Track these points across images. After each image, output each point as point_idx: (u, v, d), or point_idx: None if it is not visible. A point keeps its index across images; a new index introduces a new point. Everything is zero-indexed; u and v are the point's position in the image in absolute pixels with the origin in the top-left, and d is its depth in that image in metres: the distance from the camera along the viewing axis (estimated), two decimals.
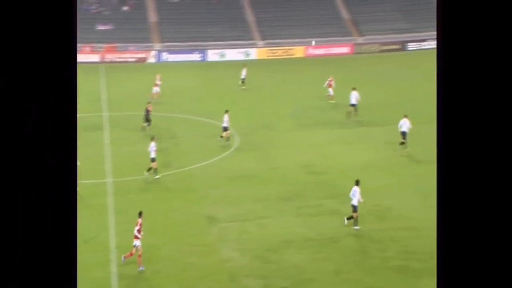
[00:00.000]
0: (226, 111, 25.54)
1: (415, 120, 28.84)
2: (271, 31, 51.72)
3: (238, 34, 50.51)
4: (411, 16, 56.52)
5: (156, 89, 32.50)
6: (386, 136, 26.42)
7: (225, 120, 25.20)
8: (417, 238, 16.09)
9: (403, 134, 24.14)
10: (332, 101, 31.86)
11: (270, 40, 50.86)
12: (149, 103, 28.01)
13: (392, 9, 57.20)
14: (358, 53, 52.56)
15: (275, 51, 49.89)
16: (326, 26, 55.52)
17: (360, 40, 54.46)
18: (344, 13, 58.25)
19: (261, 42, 50.86)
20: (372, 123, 28.78)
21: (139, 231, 15.02)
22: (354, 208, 17.12)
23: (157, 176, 21.64)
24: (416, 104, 32.15)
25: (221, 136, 25.56)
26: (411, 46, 53.20)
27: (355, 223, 17.05)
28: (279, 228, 17.39)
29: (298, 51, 51.26)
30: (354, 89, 29.66)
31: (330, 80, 32.84)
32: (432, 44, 52.50)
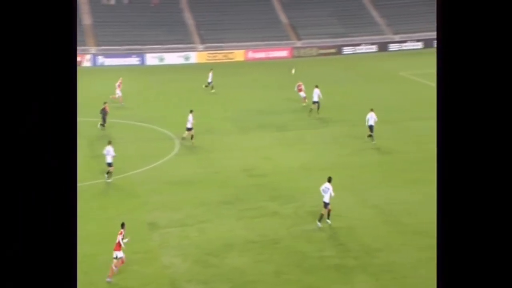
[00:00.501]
0: (191, 111, 25.74)
1: (353, 121, 29.88)
2: (211, 35, 51.74)
3: (178, 38, 50.18)
4: (346, 21, 58.22)
5: (118, 93, 32.74)
6: (325, 138, 27.18)
7: (190, 120, 25.45)
8: (352, 236, 16.69)
9: (370, 127, 25.29)
10: (304, 104, 32.33)
11: (210, 43, 50.89)
12: (105, 103, 28.22)
13: (328, 14, 58.69)
14: (297, 56, 53.60)
15: (215, 54, 49.96)
16: (265, 30, 56.20)
17: (299, 44, 55.54)
18: (283, 17, 59.22)
19: (200, 46, 50.79)
20: (311, 125, 29.49)
21: (120, 242, 14.68)
22: (325, 204, 17.46)
23: (109, 180, 21.65)
24: (354, 106, 33.24)
25: (183, 138, 25.87)
26: (347, 50, 54.77)
27: (320, 219, 17.33)
28: (220, 232, 17.52)
29: (238, 55, 51.60)
30: (316, 86, 30.95)
31: (299, 85, 33.23)
32: (367, 48, 54.37)
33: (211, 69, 37.10)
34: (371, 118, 25.36)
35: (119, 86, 33.11)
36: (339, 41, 55.12)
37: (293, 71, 37.95)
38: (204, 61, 48.85)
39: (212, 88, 35.86)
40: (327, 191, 17.59)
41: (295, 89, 33.29)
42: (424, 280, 14.12)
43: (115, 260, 14.76)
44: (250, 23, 57.00)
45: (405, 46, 55.19)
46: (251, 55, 52.17)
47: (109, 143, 21.93)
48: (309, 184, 21.15)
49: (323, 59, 51.95)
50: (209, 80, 36.13)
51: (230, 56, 50.68)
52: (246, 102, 34.65)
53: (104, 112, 27.77)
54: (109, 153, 21.40)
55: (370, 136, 25.38)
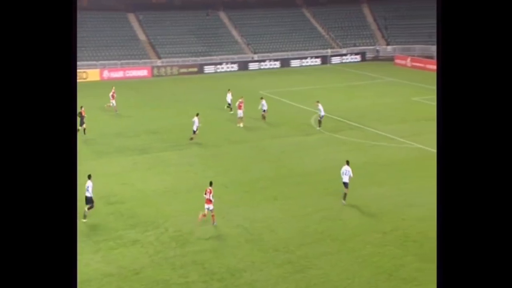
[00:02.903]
0: (197, 115, 29.85)
1: (215, 142, 30.24)
2: None
3: None
4: (207, 40, 59.12)
5: (112, 102, 35.35)
6: (188, 159, 27.10)
7: (195, 123, 29.05)
8: (217, 258, 16.72)
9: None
10: (241, 124, 32.29)
11: None
12: (81, 107, 30.19)
13: (189, 33, 59.10)
14: (157, 75, 53.07)
15: None
16: (123, 48, 54.89)
17: (159, 62, 55.07)
18: (141, 35, 58.32)
19: None
20: (173, 146, 29.24)
21: (210, 198, 18.79)
22: (345, 185, 20.33)
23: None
24: (215, 126, 33.66)
25: (191, 138, 29.32)
26: (208, 69, 55.57)
27: (344, 198, 20.41)
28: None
29: (93, 75, 49.71)
30: (261, 98, 34.19)
31: (241, 102, 32.82)
32: (228, 67, 55.66)
33: (229, 90, 36.78)
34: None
35: (112, 95, 35.77)
36: (200, 60, 55.76)
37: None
38: None
39: (231, 109, 35.75)
40: (347, 173, 20.37)
41: (237, 104, 33.03)
42: None
43: (207, 211, 18.91)
44: (106, 41, 55.31)
45: (264, 65, 57.52)
46: (107, 74, 50.58)
47: (89, 177, 19.81)
48: (172, 208, 20.86)
49: (184, 78, 52.09)
50: (229, 101, 36.18)
51: (83, 76, 48.64)
52: (103, 125, 33.39)
53: (81, 116, 30.28)
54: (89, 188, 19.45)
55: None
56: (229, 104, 36.23)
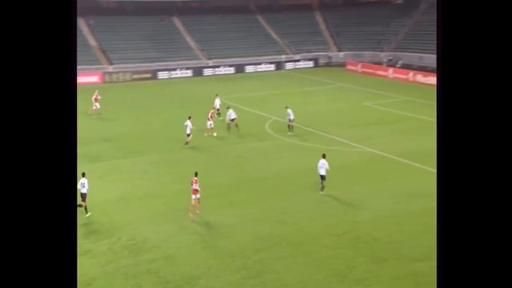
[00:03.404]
0: (189, 118, 30.13)
1: (170, 148, 30.00)
2: None
3: None
4: (161, 45, 58.61)
5: (96, 105, 35.45)
6: (142, 166, 26.77)
7: (188, 125, 29.43)
8: (171, 266, 16.57)
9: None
10: (215, 134, 31.75)
11: None
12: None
13: (141, 38, 58.41)
14: (109, 82, 52.22)
15: None
16: None
17: (110, 68, 54.20)
18: (92, 41, 57.24)
19: None
20: (126, 154, 28.82)
21: (197, 187, 19.96)
22: (323, 177, 22.21)
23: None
24: (169, 131, 33.38)
25: (186, 143, 29.54)
26: (162, 74, 55.11)
27: (322, 189, 22.19)
28: None
29: None
30: (228, 108, 33.30)
31: (212, 113, 32.44)
32: (182, 72, 55.35)
33: (217, 95, 36.34)
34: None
35: (95, 99, 35.89)
36: (154, 65, 55.24)
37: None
38: None
39: (219, 115, 35.10)
40: (324, 166, 22.25)
41: (209, 115, 32.56)
42: None
43: (194, 201, 20.05)
44: None
45: (219, 71, 57.55)
46: None
47: (83, 175, 20.40)
48: (125, 216, 20.55)
49: (137, 84, 51.45)
50: (217, 106, 35.56)
51: None
52: None
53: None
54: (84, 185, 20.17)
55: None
56: (217, 109, 35.89)
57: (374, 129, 33.20)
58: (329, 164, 23.88)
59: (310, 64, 60.53)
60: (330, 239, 18.17)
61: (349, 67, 57.61)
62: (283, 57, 60.14)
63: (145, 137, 31.24)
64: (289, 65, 59.60)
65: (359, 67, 56.37)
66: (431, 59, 53.78)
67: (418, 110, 37.79)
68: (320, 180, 22.34)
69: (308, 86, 49.63)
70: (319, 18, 67.73)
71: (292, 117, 32.18)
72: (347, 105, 40.89)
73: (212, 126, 31.95)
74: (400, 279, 15.49)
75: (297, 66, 59.78)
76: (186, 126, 29.63)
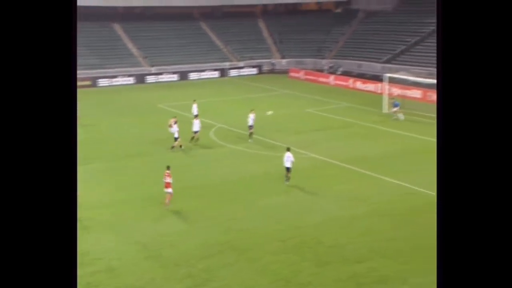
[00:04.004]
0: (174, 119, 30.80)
1: (113, 157, 29.36)
2: None
3: None
4: (101, 52, 57.42)
5: None
6: (85, 175, 26.04)
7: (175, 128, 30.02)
8: (114, 278, 16.20)
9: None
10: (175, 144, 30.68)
11: None
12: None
13: (80, 44, 57.04)
14: None
15: None
16: None
17: None
18: None
19: None
20: None
21: (170, 181, 21.09)
22: (288, 169, 23.93)
23: None
24: (111, 140, 32.68)
25: (172, 147, 30.13)
26: (103, 82, 53.97)
27: (287, 180, 24.04)
28: None
29: None
30: (196, 116, 33.07)
31: (174, 121, 31.32)
32: (124, 80, 54.41)
33: (195, 101, 36.21)
34: (251, 118, 31.61)
35: None
36: (94, 73, 54.01)
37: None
38: None
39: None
40: (289, 159, 23.95)
41: (170, 123, 31.63)
42: None
43: (169, 195, 21.29)
44: None
45: (162, 78, 56.97)
46: None
47: None
48: None
49: (77, 92, 50.10)
50: (195, 112, 34.77)
51: None
52: None
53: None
54: None
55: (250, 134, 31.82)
56: (196, 115, 35.21)
57: (316, 135, 33.82)
58: (274, 170, 24.08)
59: (254, 71, 61.01)
60: (275, 245, 18.32)
61: (292, 74, 58.50)
62: (227, 64, 60.33)
63: (87, 146, 30.43)
64: (233, 72, 59.82)
65: (301, 74, 57.35)
66: (369, 66, 55.65)
67: (358, 116, 38.84)
68: (285, 172, 24.22)
69: (252, 93, 49.98)
70: (262, 25, 68.48)
71: (251, 123, 32.15)
72: (290, 111, 41.45)
73: (178, 135, 31.38)
74: (343, 281, 15.84)
75: (241, 73, 60.10)
76: (173, 129, 30.35)
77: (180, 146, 30.33)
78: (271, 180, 25.32)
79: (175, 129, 30.44)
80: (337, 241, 18.57)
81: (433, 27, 55.29)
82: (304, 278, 16.08)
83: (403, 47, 55.60)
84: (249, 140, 32.06)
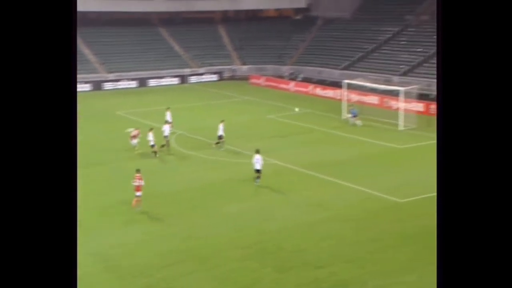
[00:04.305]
0: (151, 129, 30.62)
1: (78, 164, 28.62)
2: None
3: None
4: None
5: None
6: None
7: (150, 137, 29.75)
8: None
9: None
10: (139, 151, 30.24)
11: None
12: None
13: None
14: None
15: None
16: None
17: None
18: None
19: None
20: None
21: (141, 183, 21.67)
22: (258, 171, 24.81)
23: None
24: None
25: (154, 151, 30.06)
26: None
27: (257, 179, 24.84)
28: None
29: None
30: (166, 122, 32.65)
31: (138, 132, 30.72)
32: (80, 86, 53.33)
33: (169, 108, 35.54)
34: (221, 128, 31.40)
35: None
36: None
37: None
38: None
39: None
40: (258, 161, 24.77)
41: (132, 133, 30.97)
42: None
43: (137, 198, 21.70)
44: None
45: (120, 85, 56.15)
46: None
47: None
48: None
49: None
50: (169, 119, 34.18)
51: None
52: None
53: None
54: None
55: (218, 143, 31.46)
56: (169, 122, 34.47)
57: (277, 141, 34.01)
58: (236, 177, 23.96)
59: (215, 77, 60.94)
60: (236, 252, 18.27)
61: (252, 80, 58.74)
62: (187, 71, 60.02)
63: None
64: (193, 79, 59.56)
65: (262, 81, 57.65)
66: (328, 73, 56.46)
67: (318, 122, 39.32)
68: (255, 174, 25.03)
69: (213, 99, 49.89)
70: (222, 31, 68.54)
71: (221, 133, 31.98)
72: (251, 118, 41.56)
73: (137, 144, 31.17)
74: (304, 286, 15.93)
75: (202, 80, 59.91)
76: (164, 131, 31.06)
77: (155, 152, 30.10)
78: (233, 187, 25.28)
79: (135, 142, 30.20)
80: (299, 246, 18.68)
81: (390, 35, 56.71)
82: (265, 284, 16.09)
83: (361, 54, 56.70)
84: (220, 149, 31.93)
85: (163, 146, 31.37)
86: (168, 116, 35.75)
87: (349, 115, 38.80)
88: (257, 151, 25.18)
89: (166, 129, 31.80)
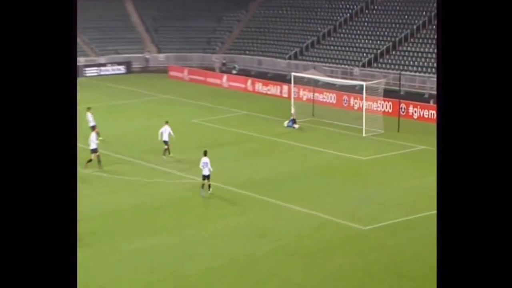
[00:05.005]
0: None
1: None
2: None
3: None
4: None
5: None
6: None
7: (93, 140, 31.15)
8: None
9: (165, 142, 32.78)
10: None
11: None
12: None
13: None
14: None
15: None
16: None
17: None
18: None
19: None
20: None
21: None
22: (207, 177, 26.82)
23: None
24: None
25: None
26: None
27: (204, 190, 26.94)
28: None
29: None
30: (93, 129, 33.71)
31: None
32: None
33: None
34: (165, 131, 32.70)
35: None
36: None
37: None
38: None
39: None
40: (206, 165, 26.73)
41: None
42: None
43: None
44: None
45: None
46: None
47: None
48: None
49: None
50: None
51: None
52: None
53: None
54: None
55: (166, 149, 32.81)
56: (92, 127, 34.61)
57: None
58: (148, 202, 23.86)
59: (121, 69, 60.45)
60: None
61: (172, 73, 58.70)
62: (81, 60, 59.05)
63: None
64: (91, 71, 58.80)
65: (185, 74, 57.74)
66: (272, 63, 57.17)
67: (258, 128, 39.77)
68: (202, 181, 26.85)
69: (118, 99, 49.44)
70: (130, 7, 68.09)
71: (166, 138, 32.58)
72: (171, 123, 41.50)
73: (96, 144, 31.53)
74: None
75: (103, 72, 59.26)
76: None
77: (90, 160, 30.79)
78: (142, 215, 25.15)
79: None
80: None
81: (349, 14, 58.17)
82: None
83: (313, 38, 57.86)
84: (164, 158, 32.50)
85: (90, 161, 30.97)
86: (91, 118, 35.43)
87: (286, 122, 39.38)
88: (205, 153, 27.35)
89: (93, 138, 31.49)
